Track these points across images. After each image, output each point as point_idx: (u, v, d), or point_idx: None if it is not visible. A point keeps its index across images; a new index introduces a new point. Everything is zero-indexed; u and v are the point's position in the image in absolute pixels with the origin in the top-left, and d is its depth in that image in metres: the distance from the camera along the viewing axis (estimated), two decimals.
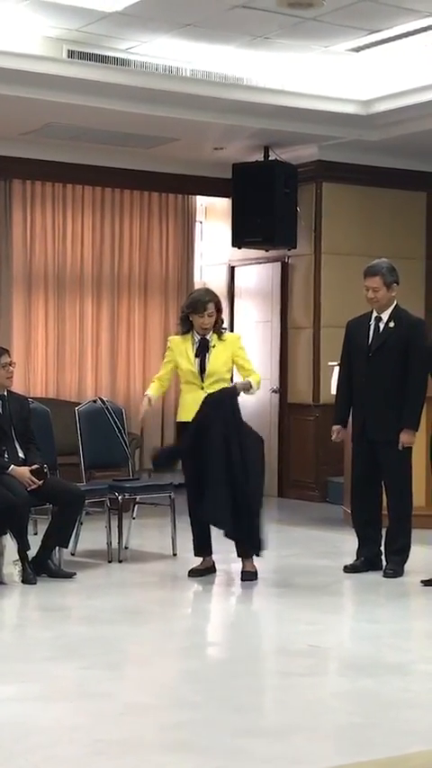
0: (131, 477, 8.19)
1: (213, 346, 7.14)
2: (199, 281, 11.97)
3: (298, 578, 7.15)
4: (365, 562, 7.33)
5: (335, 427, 7.42)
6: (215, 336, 7.16)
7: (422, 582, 6.94)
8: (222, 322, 7.25)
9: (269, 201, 10.64)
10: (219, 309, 7.16)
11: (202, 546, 7.23)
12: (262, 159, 10.78)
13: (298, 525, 9.44)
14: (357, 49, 8.79)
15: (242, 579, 7.03)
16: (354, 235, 10.90)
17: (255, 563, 7.11)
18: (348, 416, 7.40)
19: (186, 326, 7.19)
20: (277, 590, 6.93)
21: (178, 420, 7.34)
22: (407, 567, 7.23)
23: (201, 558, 7.24)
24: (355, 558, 7.39)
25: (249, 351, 11.53)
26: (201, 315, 7.07)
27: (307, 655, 5.38)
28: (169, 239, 11.55)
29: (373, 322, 7.24)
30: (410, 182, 11.15)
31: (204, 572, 7.17)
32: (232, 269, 11.87)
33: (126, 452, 8.05)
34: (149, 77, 8.90)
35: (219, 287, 11.94)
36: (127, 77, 8.83)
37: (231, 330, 11.86)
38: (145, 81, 8.90)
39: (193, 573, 7.17)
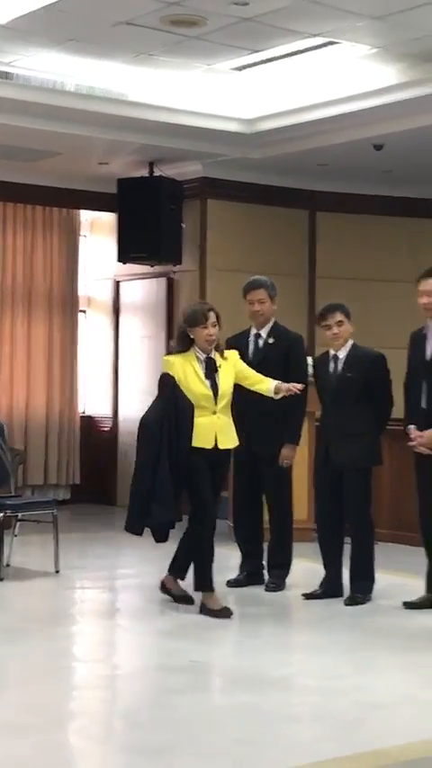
0: (13, 494, 8.10)
1: (220, 366, 6.64)
2: (83, 296, 11.94)
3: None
4: (248, 576, 7.38)
5: None
6: (218, 355, 6.67)
7: (303, 595, 7.02)
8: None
9: (154, 217, 10.68)
10: (219, 319, 6.66)
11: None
12: (147, 175, 10.81)
13: None
14: (240, 68, 8.88)
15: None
16: (238, 251, 10.98)
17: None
18: None
19: (185, 344, 6.60)
20: (159, 606, 6.93)
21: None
22: (288, 580, 7.30)
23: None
24: (238, 572, 7.43)
25: (135, 366, 11.69)
26: (204, 326, 6.53)
27: (188, 671, 5.39)
28: (53, 253, 11.48)
29: (252, 338, 7.31)
30: (293, 199, 11.30)
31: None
32: (117, 284, 11.86)
33: (7, 469, 7.96)
34: (32, 91, 8.85)
35: (104, 302, 11.96)
36: (9, 90, 8.78)
37: (116, 345, 11.88)
38: (28, 95, 8.86)
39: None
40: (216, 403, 6.56)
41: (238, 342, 7.37)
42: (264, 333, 7.29)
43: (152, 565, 7.95)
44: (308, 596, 7.00)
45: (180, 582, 6.83)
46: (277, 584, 7.25)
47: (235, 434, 6.68)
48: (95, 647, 6.18)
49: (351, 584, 6.96)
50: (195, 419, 6.49)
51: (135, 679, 5.38)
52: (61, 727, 4.54)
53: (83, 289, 11.93)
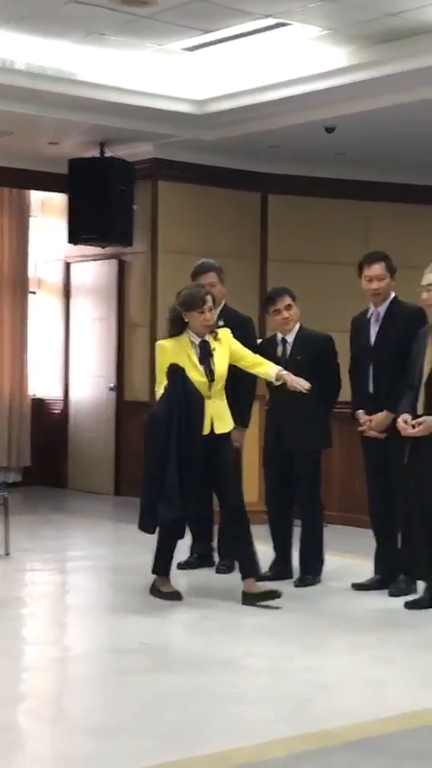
0: None
1: (214, 349, 6.44)
2: (34, 277, 11.87)
3: (132, 576, 7.17)
4: (199, 558, 7.40)
5: None
6: (211, 337, 6.47)
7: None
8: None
9: (105, 198, 10.62)
10: (215, 302, 6.50)
11: None
12: (98, 155, 10.75)
13: (135, 523, 9.43)
14: (192, 49, 8.85)
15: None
16: (190, 233, 10.96)
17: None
18: None
19: (178, 328, 6.41)
20: (111, 587, 6.92)
21: None
22: None
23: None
24: (188, 554, 7.43)
25: (86, 348, 11.65)
26: (201, 310, 6.33)
27: (139, 652, 5.40)
28: (3, 234, 11.40)
29: None
30: (245, 182, 11.29)
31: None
32: (68, 265, 11.80)
33: None
34: None
35: (54, 283, 11.90)
36: None
37: (67, 327, 11.82)
38: None
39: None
40: (210, 388, 6.39)
41: None
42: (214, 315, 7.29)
43: (103, 547, 7.98)
44: (258, 578, 6.99)
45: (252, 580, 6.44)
46: (228, 566, 7.24)
47: (230, 418, 6.53)
48: (46, 629, 6.16)
49: (301, 566, 6.99)
50: None
51: (86, 660, 5.38)
52: (11, 709, 4.53)
53: (33, 270, 11.86)
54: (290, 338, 6.97)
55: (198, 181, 11.01)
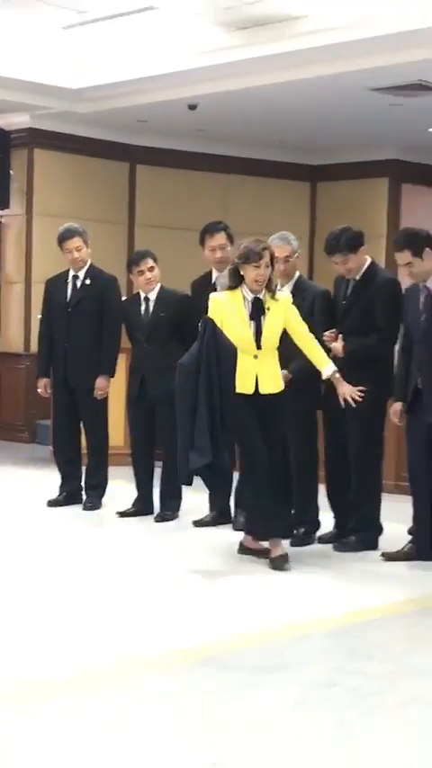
0: None
1: (268, 308, 6.10)
2: None
3: (3, 516, 7.45)
4: (67, 497, 7.80)
5: (40, 381, 7.80)
6: (268, 296, 6.15)
7: (118, 513, 7.48)
8: (276, 280, 6.29)
9: None
10: (273, 261, 6.14)
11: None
12: None
13: (6, 464, 9.76)
14: (68, 27, 9.19)
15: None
16: (64, 198, 11.31)
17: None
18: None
19: (235, 282, 6.12)
20: None
21: None
22: (104, 500, 7.74)
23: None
24: (58, 493, 7.85)
25: None
26: (256, 264, 5.99)
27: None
28: None
29: (70, 280, 7.72)
30: (116, 153, 11.73)
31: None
32: None
33: None
34: None
35: None
36: None
37: None
38: None
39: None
40: (259, 347, 6.09)
41: (56, 283, 7.80)
42: (81, 274, 7.70)
43: None
44: (122, 514, 7.44)
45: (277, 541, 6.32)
46: (94, 503, 7.68)
47: (279, 379, 6.22)
48: None
49: (161, 503, 7.41)
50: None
51: None
52: None
53: None
54: (152, 296, 7.38)
55: (72, 150, 11.35)
